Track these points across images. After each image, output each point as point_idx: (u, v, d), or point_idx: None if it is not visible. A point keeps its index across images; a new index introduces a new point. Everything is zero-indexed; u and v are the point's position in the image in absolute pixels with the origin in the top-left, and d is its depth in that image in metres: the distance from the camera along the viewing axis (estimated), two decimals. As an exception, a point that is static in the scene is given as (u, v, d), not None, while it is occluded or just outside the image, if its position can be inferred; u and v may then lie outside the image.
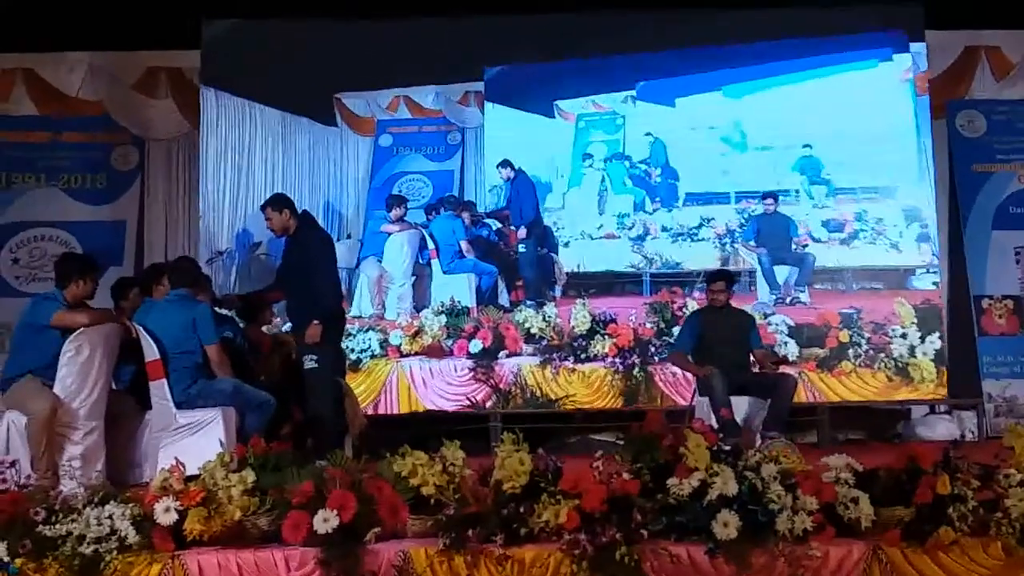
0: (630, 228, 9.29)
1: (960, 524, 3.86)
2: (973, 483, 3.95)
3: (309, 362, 5.96)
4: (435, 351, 8.78)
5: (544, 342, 8.76)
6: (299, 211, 6.33)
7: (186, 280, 5.93)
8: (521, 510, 3.88)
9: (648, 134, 9.38)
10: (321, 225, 7.11)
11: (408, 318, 8.97)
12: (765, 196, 9.07)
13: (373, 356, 8.81)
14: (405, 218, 9.19)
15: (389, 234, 9.16)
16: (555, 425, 8.21)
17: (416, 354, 8.80)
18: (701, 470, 3.92)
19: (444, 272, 9.14)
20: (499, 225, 9.41)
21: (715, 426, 5.47)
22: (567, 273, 9.17)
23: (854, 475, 4.06)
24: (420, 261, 9.20)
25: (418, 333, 8.84)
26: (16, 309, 6.05)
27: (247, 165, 9.15)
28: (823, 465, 4.13)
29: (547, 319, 8.84)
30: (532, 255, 9.17)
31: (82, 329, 5.38)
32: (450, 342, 8.79)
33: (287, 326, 6.92)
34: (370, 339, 8.83)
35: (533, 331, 8.79)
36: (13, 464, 4.38)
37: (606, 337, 8.72)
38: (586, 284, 9.07)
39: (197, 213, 8.72)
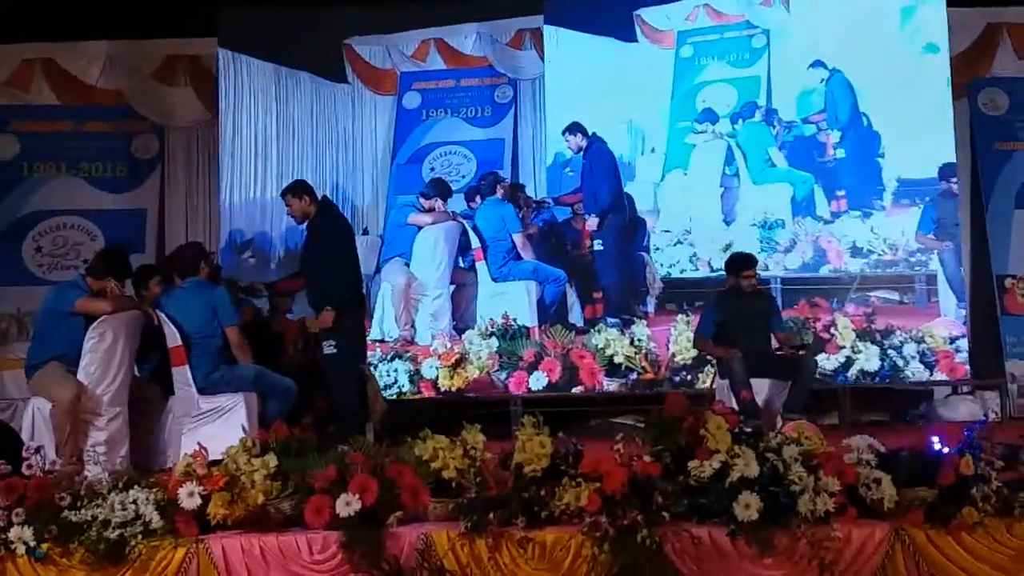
0: (787, 250, 6.29)
1: (984, 505, 3.85)
2: (997, 463, 3.95)
3: (328, 348, 5.97)
4: (484, 387, 6.99)
5: (633, 375, 6.87)
6: (319, 197, 6.32)
7: (192, 269, 5.93)
8: (542, 493, 3.91)
9: (817, 63, 6.06)
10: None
11: (446, 342, 7.10)
12: (944, 174, 6.80)
13: (401, 392, 6.92)
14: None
15: (419, 227, 7.30)
16: (575, 408, 7.95)
17: (458, 391, 6.96)
18: (722, 452, 3.92)
19: (493, 279, 7.19)
20: (567, 214, 7.20)
21: (735, 408, 5.47)
22: (663, 279, 6.92)
23: (876, 456, 4.06)
24: (461, 264, 7.31)
25: (460, 363, 7.03)
26: (40, 297, 6.13)
27: (236, 141, 7.68)
28: (845, 446, 4.13)
29: (636, 343, 6.87)
30: (613, 254, 6.97)
31: (104, 316, 5.45)
32: (503, 375, 6.98)
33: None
34: (396, 370, 7.01)
35: (617, 360, 6.88)
36: (38, 450, 4.42)
37: (720, 367, 6.54)
38: (690, 294, 6.76)
39: (217, 200, 8.72)
